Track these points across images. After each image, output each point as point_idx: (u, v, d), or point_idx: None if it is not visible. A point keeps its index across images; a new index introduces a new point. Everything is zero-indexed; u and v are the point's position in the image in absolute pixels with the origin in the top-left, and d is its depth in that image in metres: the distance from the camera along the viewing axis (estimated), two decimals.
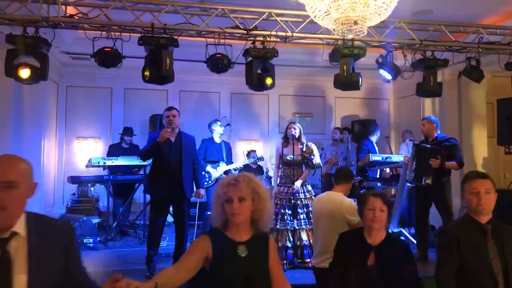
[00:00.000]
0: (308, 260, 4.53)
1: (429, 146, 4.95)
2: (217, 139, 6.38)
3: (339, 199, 3.59)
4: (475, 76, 5.28)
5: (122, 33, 4.38)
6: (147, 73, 4.21)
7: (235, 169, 6.49)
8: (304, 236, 4.69)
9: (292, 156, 4.85)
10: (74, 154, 7.88)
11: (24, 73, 4.13)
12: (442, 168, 4.77)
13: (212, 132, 6.36)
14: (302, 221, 4.71)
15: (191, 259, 1.97)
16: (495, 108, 6.52)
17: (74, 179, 6.41)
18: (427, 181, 4.79)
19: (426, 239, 5.01)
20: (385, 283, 2.50)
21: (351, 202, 3.61)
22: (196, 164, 4.80)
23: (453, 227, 2.57)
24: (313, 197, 4.85)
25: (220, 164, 6.37)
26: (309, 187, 4.98)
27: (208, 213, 6.37)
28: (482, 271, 2.36)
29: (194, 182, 4.78)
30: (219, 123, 6.44)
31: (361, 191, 4.13)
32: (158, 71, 4.25)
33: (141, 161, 5.85)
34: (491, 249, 2.38)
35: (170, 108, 4.65)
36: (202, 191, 4.91)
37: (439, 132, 5.15)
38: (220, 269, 1.97)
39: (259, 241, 2.10)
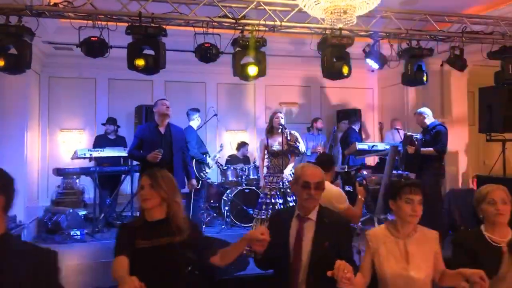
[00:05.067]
0: None
1: (409, 134, 5.31)
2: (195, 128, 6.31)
3: (326, 187, 3.63)
4: (458, 65, 5.37)
5: (109, 22, 4.31)
6: (141, 62, 4.11)
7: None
8: None
9: (278, 146, 4.89)
10: (58, 146, 7.73)
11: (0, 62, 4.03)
12: (419, 154, 5.04)
13: (192, 121, 6.23)
14: None
15: None
16: (476, 97, 6.66)
17: (60, 171, 6.31)
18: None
19: None
20: None
21: (338, 189, 3.68)
22: (186, 155, 4.80)
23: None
24: None
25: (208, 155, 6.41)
26: None
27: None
28: None
29: (184, 173, 4.79)
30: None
31: (358, 179, 4.19)
32: (154, 61, 4.20)
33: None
34: None
35: (164, 99, 4.76)
36: (195, 181, 4.94)
37: (432, 120, 5.40)
38: None
39: None
